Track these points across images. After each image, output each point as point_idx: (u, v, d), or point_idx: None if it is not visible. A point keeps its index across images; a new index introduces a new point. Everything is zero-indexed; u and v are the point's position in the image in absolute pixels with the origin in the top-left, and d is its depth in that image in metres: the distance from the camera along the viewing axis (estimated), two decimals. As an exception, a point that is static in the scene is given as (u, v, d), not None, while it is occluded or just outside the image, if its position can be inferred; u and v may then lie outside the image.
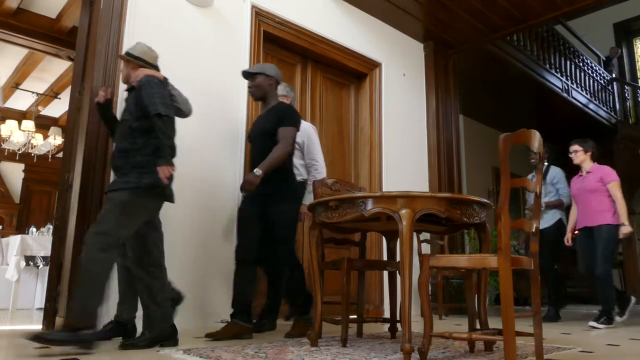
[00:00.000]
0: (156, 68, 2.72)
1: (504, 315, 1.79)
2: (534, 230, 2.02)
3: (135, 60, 2.64)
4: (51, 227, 5.49)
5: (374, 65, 5.08)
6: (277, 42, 4.36)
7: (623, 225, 3.99)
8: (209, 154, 3.55)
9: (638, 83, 10.02)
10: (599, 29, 9.73)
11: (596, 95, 8.35)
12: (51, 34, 5.86)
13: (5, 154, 8.72)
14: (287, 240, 2.96)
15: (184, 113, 2.83)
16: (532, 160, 4.55)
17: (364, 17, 5.05)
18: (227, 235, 3.49)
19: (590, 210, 4.13)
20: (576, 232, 4.35)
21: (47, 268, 3.39)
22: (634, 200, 8.07)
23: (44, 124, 8.70)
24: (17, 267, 4.96)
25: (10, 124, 8.00)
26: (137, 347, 2.36)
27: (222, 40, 3.83)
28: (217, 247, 3.43)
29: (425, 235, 4.86)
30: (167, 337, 2.45)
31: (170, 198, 2.54)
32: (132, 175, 2.40)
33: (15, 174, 9.69)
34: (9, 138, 8.02)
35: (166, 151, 2.38)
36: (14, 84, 7.76)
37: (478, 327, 2.36)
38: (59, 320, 2.93)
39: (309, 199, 3.28)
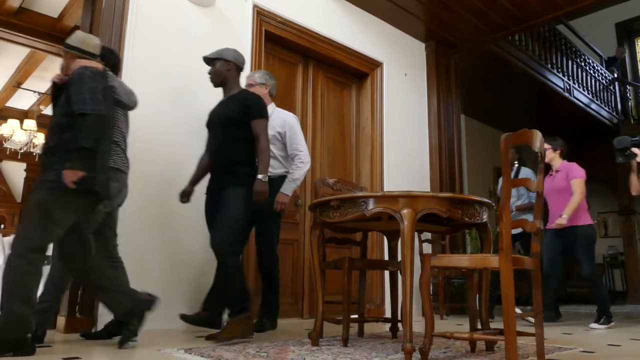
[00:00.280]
0: (97, 57, 2.49)
1: (505, 315, 1.79)
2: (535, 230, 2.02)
3: (71, 50, 2.44)
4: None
5: (376, 64, 5.08)
6: (278, 41, 4.36)
7: (562, 217, 3.97)
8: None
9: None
10: (601, 29, 9.72)
11: (598, 95, 8.34)
12: (53, 33, 5.87)
13: (7, 153, 8.72)
14: (226, 227, 2.65)
15: (127, 105, 2.65)
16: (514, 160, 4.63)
17: (366, 16, 5.05)
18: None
19: (561, 210, 4.06)
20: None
21: (49, 267, 3.39)
22: (635, 200, 8.05)
23: (45, 123, 8.62)
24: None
25: (12, 123, 8.01)
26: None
27: (223, 39, 3.83)
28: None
29: (427, 235, 4.87)
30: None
31: (106, 198, 2.34)
32: (55, 173, 2.20)
33: (17, 173, 9.71)
34: (10, 137, 8.03)
35: (75, 155, 2.17)
36: (16, 83, 7.77)
37: (479, 327, 2.36)
38: (60, 320, 2.93)
39: (289, 188, 3.25)
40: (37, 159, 8.65)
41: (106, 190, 2.34)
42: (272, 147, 3.22)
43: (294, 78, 4.58)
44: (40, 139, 8.35)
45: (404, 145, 5.16)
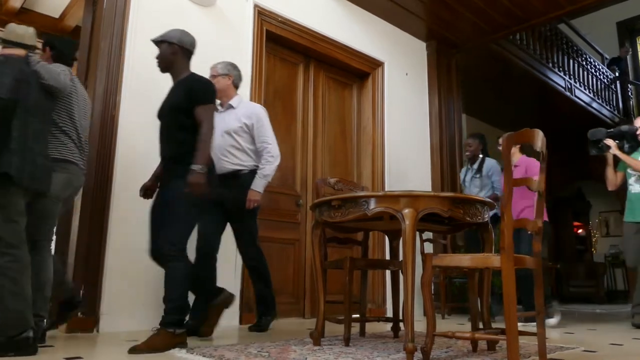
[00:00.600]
0: (26, 46, 2.43)
1: (506, 314, 1.78)
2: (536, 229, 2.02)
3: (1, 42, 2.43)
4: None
5: (377, 64, 5.08)
6: (279, 41, 4.36)
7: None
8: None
9: (641, 82, 9.99)
10: (603, 28, 9.70)
11: (599, 94, 8.34)
12: (54, 34, 5.87)
13: None
14: (173, 224, 2.46)
15: (54, 87, 2.45)
16: (467, 153, 4.67)
17: (366, 16, 5.05)
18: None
19: (520, 205, 3.90)
20: None
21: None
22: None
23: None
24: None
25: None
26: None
27: (224, 39, 3.84)
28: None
29: (428, 235, 4.86)
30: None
31: (19, 183, 2.19)
32: None
33: (18, 173, 9.72)
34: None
35: None
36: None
37: (481, 326, 2.36)
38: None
39: (260, 185, 3.14)
40: None
41: (20, 174, 2.18)
42: (239, 139, 3.18)
43: (295, 78, 4.59)
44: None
45: (405, 144, 5.16)
